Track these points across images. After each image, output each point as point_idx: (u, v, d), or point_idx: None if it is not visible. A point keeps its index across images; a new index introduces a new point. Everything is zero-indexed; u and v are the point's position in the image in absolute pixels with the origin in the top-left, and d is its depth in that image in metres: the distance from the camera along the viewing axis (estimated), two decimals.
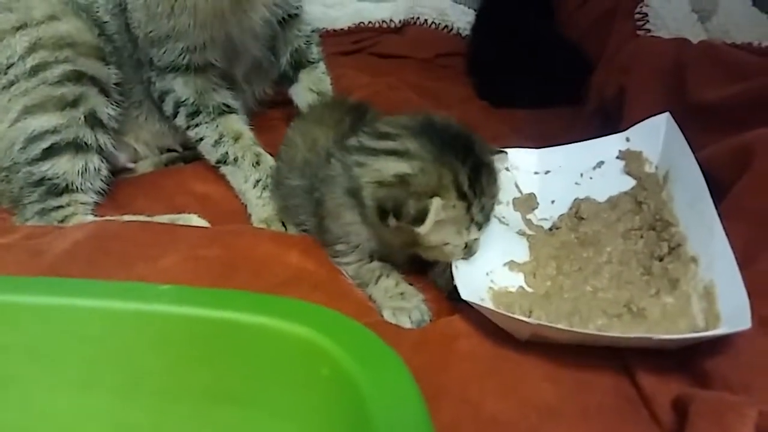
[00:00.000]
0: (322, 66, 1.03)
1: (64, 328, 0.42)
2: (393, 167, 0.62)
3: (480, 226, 0.64)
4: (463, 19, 1.45)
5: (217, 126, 0.89)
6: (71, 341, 0.42)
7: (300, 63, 1.01)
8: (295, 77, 1.02)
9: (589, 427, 0.52)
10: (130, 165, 0.98)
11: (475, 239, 0.65)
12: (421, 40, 1.42)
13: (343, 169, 0.65)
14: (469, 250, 0.65)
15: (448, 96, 1.23)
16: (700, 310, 0.56)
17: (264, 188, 0.87)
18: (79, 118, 0.83)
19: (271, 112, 1.09)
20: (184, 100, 0.88)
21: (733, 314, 0.51)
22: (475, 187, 0.62)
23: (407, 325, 0.64)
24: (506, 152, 0.72)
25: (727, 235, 0.57)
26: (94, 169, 0.84)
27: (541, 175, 0.80)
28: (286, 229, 0.81)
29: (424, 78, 1.29)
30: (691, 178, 0.65)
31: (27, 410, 0.45)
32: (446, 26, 1.46)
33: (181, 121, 0.90)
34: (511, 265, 0.70)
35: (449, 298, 0.68)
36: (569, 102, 1.13)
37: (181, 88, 0.88)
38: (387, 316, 0.66)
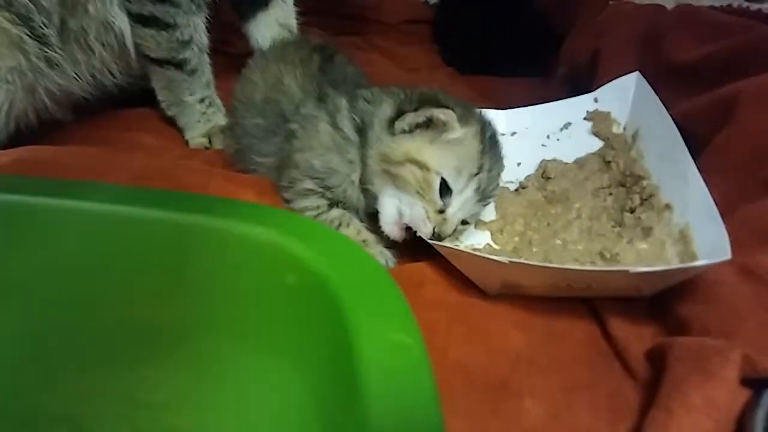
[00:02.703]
0: (290, 1, 0.98)
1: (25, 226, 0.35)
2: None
3: (481, 191, 0.60)
4: None
5: (190, 25, 0.81)
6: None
7: None
8: (262, 6, 0.95)
9: (562, 377, 0.49)
10: None
11: (455, 210, 0.59)
12: (388, 5, 1.39)
13: (351, 109, 0.64)
14: (438, 220, 0.58)
15: (414, 60, 1.20)
16: (675, 254, 0.54)
17: (209, 105, 0.84)
18: None
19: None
20: None
21: (712, 249, 0.49)
22: (492, 146, 0.61)
23: None
24: None
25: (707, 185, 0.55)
26: None
27: (507, 137, 0.78)
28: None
29: (390, 42, 1.26)
30: (663, 131, 0.63)
31: None
32: None
33: None
34: (478, 223, 0.67)
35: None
36: (535, 73, 1.11)
37: None
38: None
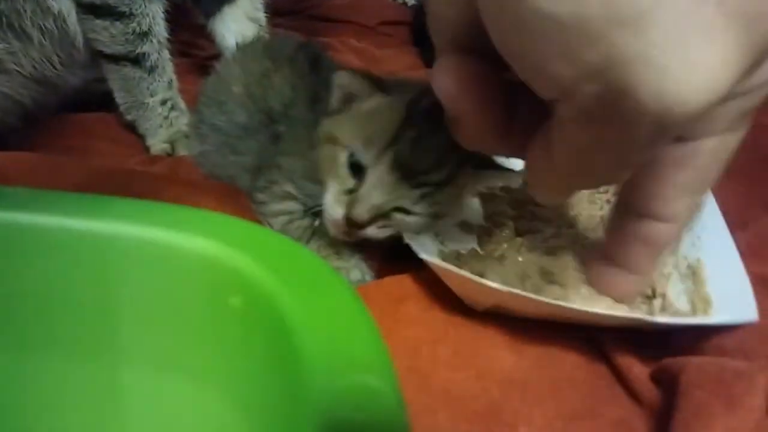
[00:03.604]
0: None
1: None
2: None
3: (404, 167, 0.48)
4: None
5: (148, 15, 0.73)
6: None
7: None
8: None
9: (560, 404, 0.43)
10: None
11: (371, 185, 0.49)
12: (365, 6, 1.33)
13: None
14: (349, 200, 0.49)
15: (393, 63, 1.14)
16: (682, 292, 0.49)
17: (172, 108, 0.77)
18: None
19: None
20: None
21: (731, 300, 0.44)
22: (427, 119, 0.48)
23: None
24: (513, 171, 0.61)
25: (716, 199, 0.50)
26: None
27: None
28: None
29: (368, 44, 1.20)
30: None
31: None
32: None
33: None
34: (463, 225, 0.61)
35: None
36: None
37: None
38: None
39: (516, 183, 0.61)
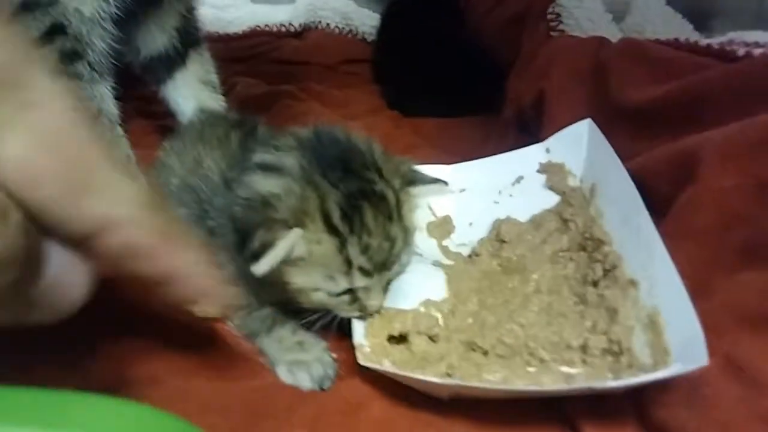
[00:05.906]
0: (206, 51, 0.90)
1: None
2: (263, 184, 0.51)
3: (368, 273, 0.52)
4: (368, 23, 1.36)
5: (95, 97, 0.73)
6: None
7: (188, 42, 0.86)
8: (179, 65, 0.87)
9: None
10: None
11: (366, 289, 0.53)
12: (324, 46, 1.32)
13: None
14: (359, 305, 0.54)
15: (355, 105, 1.13)
16: (645, 344, 0.48)
17: None
18: None
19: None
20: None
21: (685, 348, 0.42)
22: (353, 221, 0.50)
23: (307, 384, 0.52)
24: (446, 183, 0.62)
25: (671, 256, 0.48)
26: None
27: (456, 195, 0.70)
28: None
29: (329, 86, 1.18)
30: (622, 190, 0.57)
31: None
32: (350, 31, 1.36)
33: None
34: (427, 305, 0.59)
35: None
36: (481, 111, 1.05)
37: None
38: (282, 374, 0.53)
39: (445, 192, 0.63)
